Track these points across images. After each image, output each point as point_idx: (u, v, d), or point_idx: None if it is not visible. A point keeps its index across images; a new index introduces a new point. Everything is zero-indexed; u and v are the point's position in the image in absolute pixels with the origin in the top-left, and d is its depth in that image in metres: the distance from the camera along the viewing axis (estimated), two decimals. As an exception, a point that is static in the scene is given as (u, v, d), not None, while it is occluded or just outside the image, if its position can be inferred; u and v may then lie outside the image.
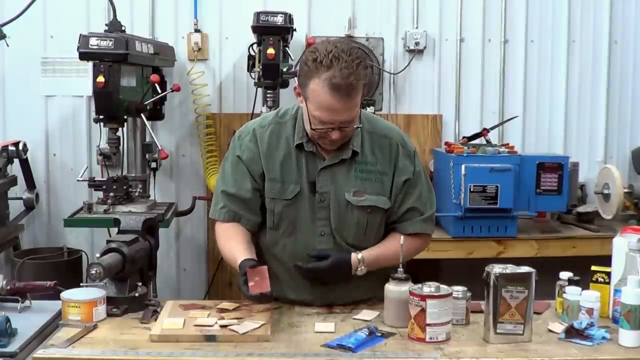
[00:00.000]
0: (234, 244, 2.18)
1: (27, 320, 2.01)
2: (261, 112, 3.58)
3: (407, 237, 2.18)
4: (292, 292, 2.26)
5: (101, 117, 3.35)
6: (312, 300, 2.24)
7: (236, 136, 2.30)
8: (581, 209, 3.95)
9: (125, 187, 3.47)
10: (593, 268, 2.17)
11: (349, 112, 2.06)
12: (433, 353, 1.85)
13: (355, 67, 2.01)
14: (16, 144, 3.54)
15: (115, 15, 3.50)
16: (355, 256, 2.19)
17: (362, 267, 2.19)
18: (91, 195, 3.85)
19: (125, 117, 3.47)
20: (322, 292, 2.23)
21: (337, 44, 2.06)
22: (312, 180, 2.20)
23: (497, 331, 1.91)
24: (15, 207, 3.68)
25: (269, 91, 3.71)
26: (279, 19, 3.60)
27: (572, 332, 1.94)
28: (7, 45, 3.47)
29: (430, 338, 1.90)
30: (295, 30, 3.78)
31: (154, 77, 3.44)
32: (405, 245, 2.11)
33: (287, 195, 2.20)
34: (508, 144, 3.80)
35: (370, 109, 3.76)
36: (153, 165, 3.75)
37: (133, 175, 3.69)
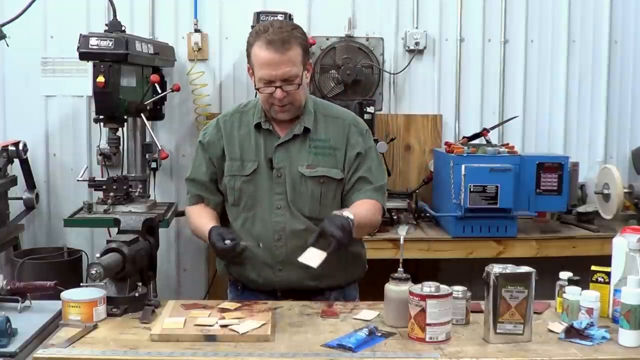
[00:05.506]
0: (202, 220, 2.38)
1: (27, 320, 2.00)
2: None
3: (361, 202, 2.32)
4: (253, 271, 2.36)
5: (101, 117, 3.35)
6: (272, 282, 2.35)
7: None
8: (581, 209, 3.94)
9: (125, 187, 3.47)
10: (593, 268, 2.17)
11: (285, 66, 2.21)
12: (433, 353, 1.85)
13: (289, 28, 2.24)
14: (16, 144, 3.54)
15: (115, 15, 3.50)
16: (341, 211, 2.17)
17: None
18: (91, 195, 3.86)
19: (125, 117, 3.48)
20: (283, 275, 2.33)
21: (277, 20, 2.29)
22: (269, 157, 2.34)
23: (497, 331, 1.91)
24: (15, 207, 3.68)
25: (268, 91, 3.71)
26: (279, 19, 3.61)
27: (572, 332, 1.94)
28: (7, 45, 3.46)
29: (430, 338, 1.90)
30: (295, 30, 3.78)
31: (154, 77, 3.44)
32: (361, 208, 2.26)
33: (246, 171, 2.35)
34: (508, 144, 3.79)
35: (370, 109, 3.77)
36: (153, 165, 3.76)
37: (133, 175, 3.70)
